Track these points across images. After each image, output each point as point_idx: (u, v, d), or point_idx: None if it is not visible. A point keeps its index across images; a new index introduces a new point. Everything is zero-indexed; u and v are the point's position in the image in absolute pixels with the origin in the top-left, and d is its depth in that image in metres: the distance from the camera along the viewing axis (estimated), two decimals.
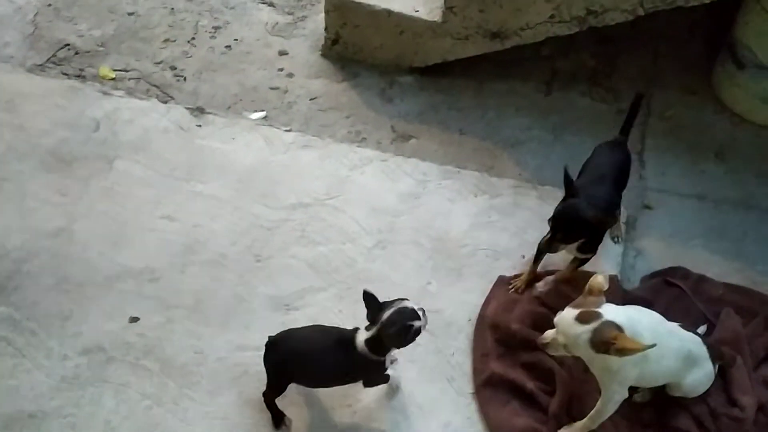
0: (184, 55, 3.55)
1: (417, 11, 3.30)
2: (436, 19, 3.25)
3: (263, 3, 3.79)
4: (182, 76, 3.47)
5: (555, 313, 2.13)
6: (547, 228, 2.47)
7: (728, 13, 3.35)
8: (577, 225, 2.38)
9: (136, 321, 2.50)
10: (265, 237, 2.80)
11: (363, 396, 2.38)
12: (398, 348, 2.18)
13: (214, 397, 2.34)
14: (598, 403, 2.22)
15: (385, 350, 2.14)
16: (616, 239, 2.85)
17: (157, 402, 2.31)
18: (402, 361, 2.48)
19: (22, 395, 2.28)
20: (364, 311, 2.57)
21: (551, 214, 2.45)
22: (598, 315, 2.01)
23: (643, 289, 2.71)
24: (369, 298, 2.14)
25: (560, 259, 2.68)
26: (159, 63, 3.51)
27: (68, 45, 3.48)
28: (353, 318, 2.56)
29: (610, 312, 2.03)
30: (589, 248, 2.53)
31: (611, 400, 2.19)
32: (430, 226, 2.90)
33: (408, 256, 2.78)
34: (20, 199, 2.79)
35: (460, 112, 3.43)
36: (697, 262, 2.83)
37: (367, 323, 2.16)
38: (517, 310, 2.58)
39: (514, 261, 2.81)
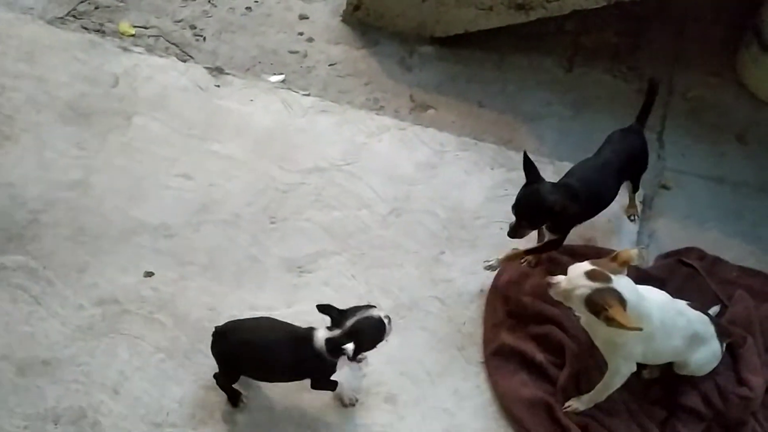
0: (204, 14, 3.52)
1: None
2: None
3: None
4: (202, 36, 3.45)
5: None
6: None
7: None
8: (539, 210, 2.36)
9: (150, 276, 2.52)
10: (281, 199, 2.80)
11: (372, 359, 2.39)
12: (365, 349, 2.12)
13: None
14: (605, 376, 2.23)
15: (341, 353, 2.05)
16: (632, 218, 2.84)
17: (170, 355, 2.33)
18: (413, 328, 2.49)
19: (37, 342, 2.30)
20: (377, 278, 2.62)
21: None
22: (608, 279, 2.01)
23: (656, 268, 2.70)
24: (326, 308, 2.09)
25: (578, 236, 2.68)
26: (179, 21, 3.49)
27: None
28: (366, 284, 2.59)
29: (621, 284, 2.02)
30: (558, 229, 2.52)
31: (618, 373, 2.20)
32: (445, 196, 2.89)
33: (422, 225, 2.78)
34: (39, 150, 2.79)
35: (480, 84, 3.41)
36: (712, 244, 2.82)
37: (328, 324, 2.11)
38: (530, 283, 2.59)
39: (529, 235, 2.80)
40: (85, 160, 2.80)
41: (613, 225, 2.87)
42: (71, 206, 2.65)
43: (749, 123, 3.32)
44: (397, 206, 2.83)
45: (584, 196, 2.44)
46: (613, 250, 2.18)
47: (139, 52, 3.23)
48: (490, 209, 2.88)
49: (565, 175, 2.53)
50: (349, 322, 2.06)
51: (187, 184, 2.80)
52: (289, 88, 3.23)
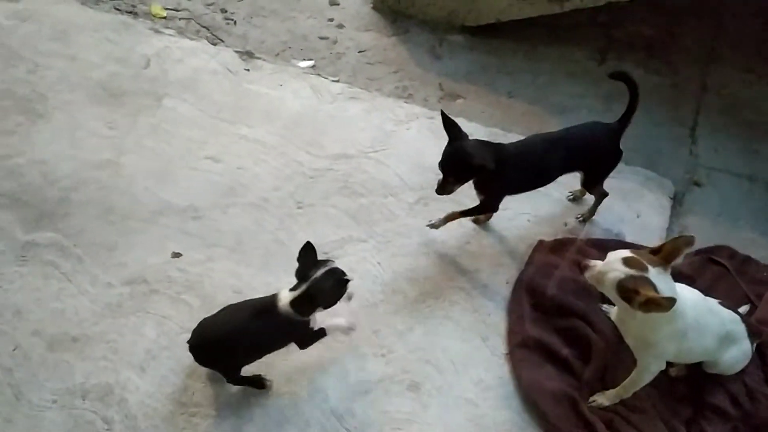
0: None
1: None
2: None
3: None
4: (232, 20, 3.46)
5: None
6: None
7: None
8: (461, 165, 2.38)
9: (178, 257, 2.53)
10: (308, 184, 2.80)
11: (397, 347, 2.39)
12: (326, 307, 2.08)
13: None
14: (633, 372, 2.21)
15: (312, 310, 2.04)
16: (579, 217, 2.81)
17: None
18: (438, 317, 2.49)
19: (67, 318, 2.33)
20: (403, 266, 2.61)
21: None
22: (644, 268, 1.98)
23: (686, 265, 2.66)
24: (308, 250, 2.04)
25: (604, 230, 2.65)
26: (210, 5, 3.49)
27: None
28: (391, 272, 2.59)
29: (660, 279, 1.99)
30: (485, 189, 2.53)
31: (647, 370, 2.18)
32: (472, 186, 2.87)
33: None
34: (71, 129, 2.82)
35: (510, 75, 3.38)
36: (743, 242, 2.78)
37: (292, 285, 2.06)
38: (556, 277, 2.56)
39: (556, 228, 2.79)
40: (116, 140, 2.82)
41: (642, 220, 2.84)
42: (101, 185, 2.67)
43: None
44: (424, 195, 2.82)
45: (515, 161, 2.45)
46: (643, 246, 2.15)
47: (171, 35, 3.25)
48: (516, 200, 2.85)
49: (454, 138, 2.46)
50: (305, 284, 2.01)
51: (216, 167, 2.81)
52: (319, 74, 3.23)
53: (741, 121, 3.24)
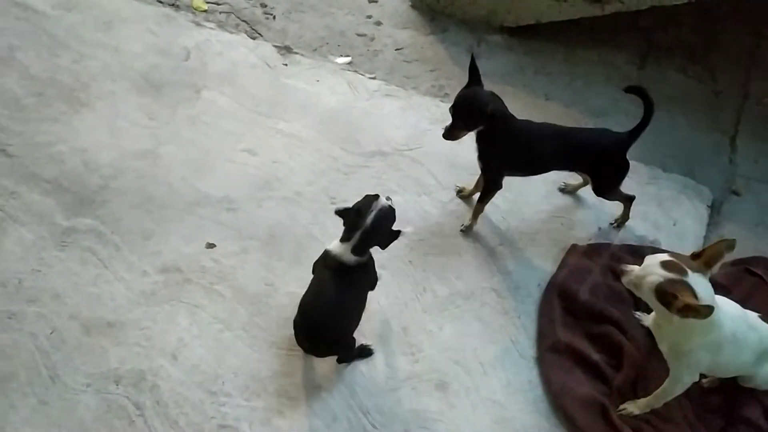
0: None
1: None
2: None
3: None
4: (272, 14, 3.48)
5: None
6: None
7: None
8: (474, 110, 2.36)
9: (212, 247, 2.57)
10: (342, 180, 2.81)
11: (426, 346, 2.40)
12: (383, 247, 2.19)
13: (282, 329, 2.38)
14: (666, 382, 2.18)
15: (369, 248, 2.15)
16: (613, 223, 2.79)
17: (228, 327, 2.38)
18: (468, 318, 2.49)
19: (103, 304, 2.37)
20: (435, 265, 2.61)
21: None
22: (683, 272, 1.95)
23: (722, 275, 2.62)
24: (343, 211, 2.13)
25: (638, 238, 2.62)
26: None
27: None
28: (423, 271, 2.59)
29: (697, 281, 1.96)
30: (484, 154, 2.50)
31: (680, 381, 2.15)
32: (506, 187, 2.85)
33: (482, 215, 2.75)
34: (112, 119, 2.87)
35: (548, 76, 3.35)
36: None
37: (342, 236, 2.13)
38: (589, 281, 2.54)
39: (589, 232, 2.77)
40: (155, 130, 2.86)
41: (678, 228, 2.80)
42: (140, 175, 2.72)
43: None
44: None
45: (518, 135, 2.46)
46: (677, 253, 2.12)
47: (211, 28, 3.29)
48: (551, 204, 2.84)
49: (474, 82, 2.44)
50: (364, 226, 2.09)
51: (252, 160, 2.83)
52: (356, 71, 3.24)
53: None
